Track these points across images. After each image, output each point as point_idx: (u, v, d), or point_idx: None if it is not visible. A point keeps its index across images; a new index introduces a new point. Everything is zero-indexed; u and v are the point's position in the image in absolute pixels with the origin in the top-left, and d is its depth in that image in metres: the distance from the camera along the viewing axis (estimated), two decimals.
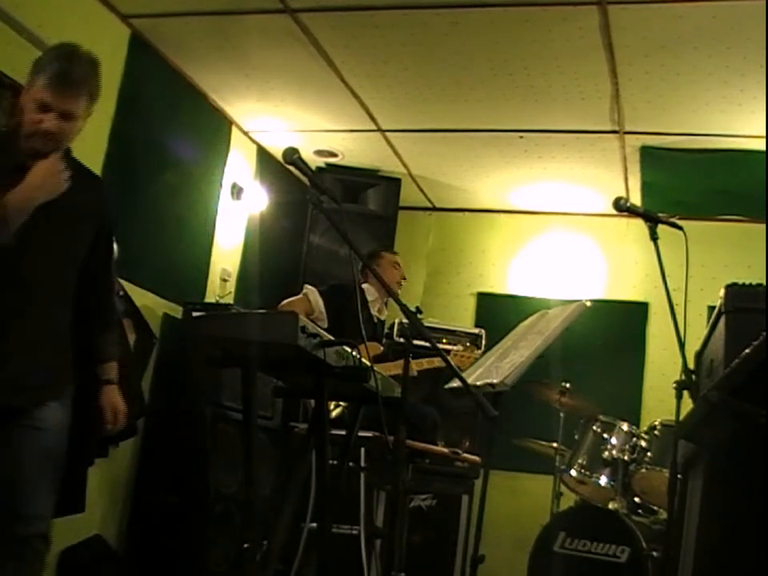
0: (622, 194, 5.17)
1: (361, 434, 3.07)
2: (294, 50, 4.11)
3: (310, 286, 4.12)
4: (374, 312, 4.21)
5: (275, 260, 5.42)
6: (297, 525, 3.36)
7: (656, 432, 4.19)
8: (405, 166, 5.56)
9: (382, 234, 5.49)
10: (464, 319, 5.84)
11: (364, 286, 4.17)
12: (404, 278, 4.39)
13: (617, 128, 4.60)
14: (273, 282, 5.24)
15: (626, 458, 4.20)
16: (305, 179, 2.58)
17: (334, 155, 5.49)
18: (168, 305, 4.47)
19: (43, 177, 2.21)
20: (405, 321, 4.66)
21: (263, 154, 5.42)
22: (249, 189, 5.25)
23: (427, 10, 3.66)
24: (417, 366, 4.06)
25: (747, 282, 2.52)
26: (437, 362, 4.16)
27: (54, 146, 2.25)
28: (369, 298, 4.14)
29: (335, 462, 2.88)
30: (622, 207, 2.88)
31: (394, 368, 3.85)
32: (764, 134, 4.24)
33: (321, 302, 3.98)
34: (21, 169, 2.22)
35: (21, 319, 2.27)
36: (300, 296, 4.05)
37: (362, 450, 3.52)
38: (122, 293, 3.81)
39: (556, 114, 4.52)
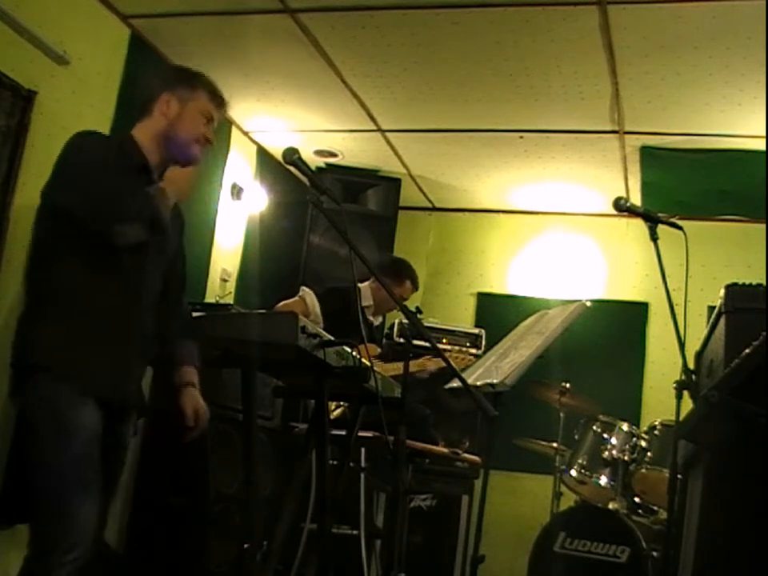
0: (622, 193, 5.16)
1: (361, 433, 3.07)
2: (294, 50, 4.11)
3: (306, 288, 4.12)
4: (368, 315, 4.22)
5: (275, 260, 5.42)
6: (297, 525, 3.36)
7: (656, 432, 4.19)
8: (405, 166, 5.56)
9: (382, 234, 5.49)
10: (464, 319, 5.84)
11: (361, 286, 4.18)
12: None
13: (617, 128, 4.60)
14: (273, 282, 5.24)
15: (626, 458, 4.20)
16: (305, 179, 2.58)
17: (334, 155, 5.49)
18: None
19: (187, 180, 2.29)
20: (405, 321, 4.66)
21: (263, 154, 5.42)
22: (249, 189, 5.24)
23: (427, 10, 3.66)
24: (418, 366, 4.08)
25: (747, 282, 2.52)
26: (433, 362, 4.17)
27: (202, 156, 2.37)
28: (364, 303, 4.14)
29: (335, 462, 2.88)
30: (622, 207, 2.88)
31: (391, 370, 3.86)
32: (764, 134, 4.24)
33: (317, 305, 3.99)
34: (145, 171, 2.24)
35: (141, 317, 2.23)
36: (296, 298, 4.05)
37: (362, 449, 3.53)
38: None
39: (556, 114, 4.52)
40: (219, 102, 2.41)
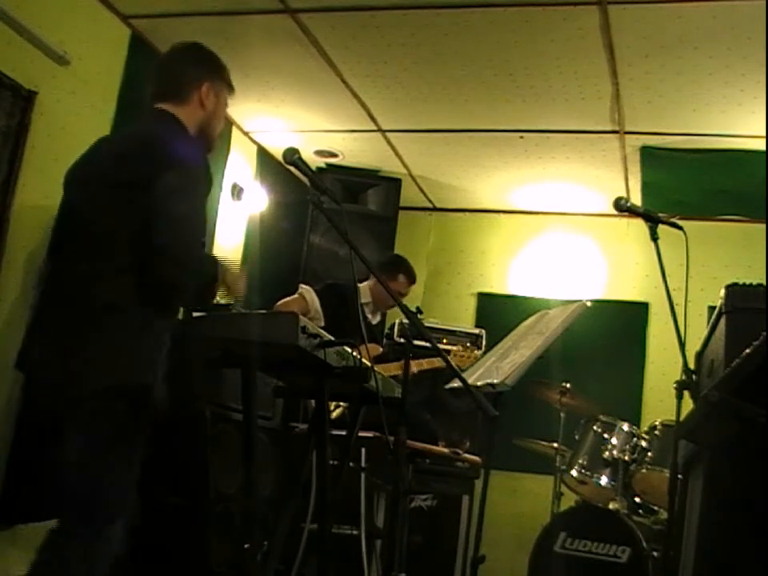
0: (622, 193, 5.16)
1: (361, 434, 3.07)
2: (294, 50, 4.11)
3: (305, 286, 4.12)
4: (367, 314, 4.22)
5: (275, 260, 5.41)
6: (297, 525, 3.36)
7: (656, 432, 4.19)
8: (405, 166, 5.56)
9: (382, 235, 5.49)
10: (464, 319, 5.85)
11: (360, 285, 4.18)
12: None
13: (617, 128, 4.60)
14: (273, 282, 5.23)
15: (626, 458, 4.20)
16: (305, 179, 2.58)
17: (334, 155, 5.49)
18: None
19: None
20: (405, 321, 4.66)
21: (263, 155, 5.42)
22: (249, 189, 5.25)
23: (427, 10, 3.66)
24: (416, 366, 4.07)
25: (747, 282, 2.52)
26: (437, 362, 4.17)
27: None
28: (363, 300, 4.14)
29: (335, 462, 2.88)
30: (622, 207, 2.88)
31: (393, 369, 3.86)
32: (764, 134, 4.24)
33: (317, 301, 3.99)
34: None
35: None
36: (296, 296, 4.06)
37: (362, 450, 3.52)
38: None
39: (556, 114, 4.52)
40: (232, 91, 2.40)
